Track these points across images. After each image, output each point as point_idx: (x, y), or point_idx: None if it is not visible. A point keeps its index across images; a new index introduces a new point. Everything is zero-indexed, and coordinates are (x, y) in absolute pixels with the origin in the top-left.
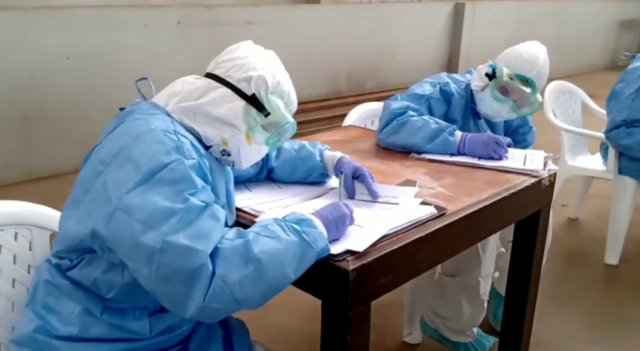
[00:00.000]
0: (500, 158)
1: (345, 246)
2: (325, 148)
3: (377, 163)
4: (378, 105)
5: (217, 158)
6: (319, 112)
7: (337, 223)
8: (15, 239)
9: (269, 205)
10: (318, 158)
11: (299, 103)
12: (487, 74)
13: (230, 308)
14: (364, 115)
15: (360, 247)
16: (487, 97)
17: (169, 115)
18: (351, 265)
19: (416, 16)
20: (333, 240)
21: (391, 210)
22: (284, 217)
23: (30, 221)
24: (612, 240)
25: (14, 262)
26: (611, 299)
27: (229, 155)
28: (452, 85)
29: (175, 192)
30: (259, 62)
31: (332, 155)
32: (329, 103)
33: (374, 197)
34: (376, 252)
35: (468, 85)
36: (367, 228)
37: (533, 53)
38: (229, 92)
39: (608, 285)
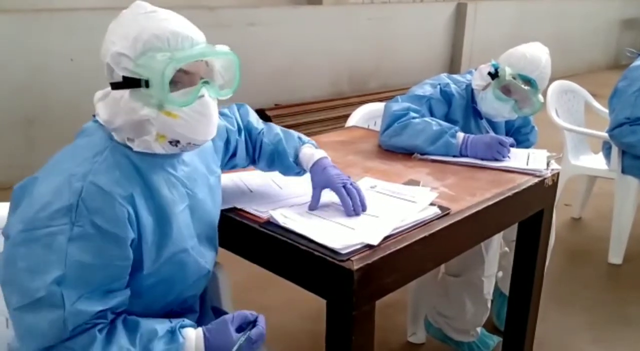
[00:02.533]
0: (503, 159)
1: (361, 239)
2: (303, 142)
3: (380, 164)
4: (381, 106)
5: (181, 152)
6: (322, 113)
7: None
8: None
9: (271, 205)
10: (291, 159)
11: (302, 104)
12: (489, 73)
13: None
14: (366, 115)
15: (375, 240)
16: (488, 96)
17: (111, 138)
18: (356, 264)
19: (418, 16)
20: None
21: (407, 207)
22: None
23: None
24: (616, 239)
25: None
26: (614, 298)
27: (178, 142)
28: (453, 86)
29: (42, 263)
30: (106, 40)
31: (310, 155)
32: (332, 104)
33: (347, 213)
34: (381, 251)
35: (468, 86)
36: (382, 219)
37: (535, 54)
38: (112, 92)
39: (611, 284)
